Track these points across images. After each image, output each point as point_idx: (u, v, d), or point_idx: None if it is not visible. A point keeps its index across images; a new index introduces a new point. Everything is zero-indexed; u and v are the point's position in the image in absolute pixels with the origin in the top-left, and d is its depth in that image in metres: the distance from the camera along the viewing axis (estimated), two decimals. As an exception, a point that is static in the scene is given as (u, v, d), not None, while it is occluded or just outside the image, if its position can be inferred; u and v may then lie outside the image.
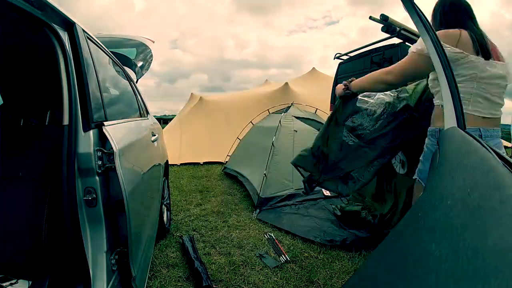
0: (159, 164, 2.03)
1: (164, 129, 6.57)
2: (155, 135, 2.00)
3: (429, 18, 1.46)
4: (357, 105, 1.71)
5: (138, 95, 2.19)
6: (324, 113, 5.15)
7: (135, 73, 2.74)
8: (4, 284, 0.98)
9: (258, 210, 2.85)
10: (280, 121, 3.89)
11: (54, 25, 0.94)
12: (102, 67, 1.31)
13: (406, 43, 4.52)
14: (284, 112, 4.30)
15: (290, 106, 4.74)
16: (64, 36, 0.98)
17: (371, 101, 1.72)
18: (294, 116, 4.14)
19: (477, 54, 1.21)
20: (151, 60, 3.18)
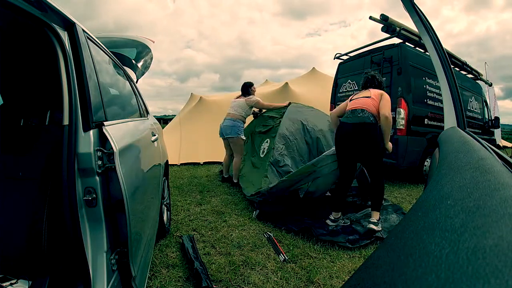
0: (159, 164, 2.03)
1: (164, 129, 6.57)
2: (155, 135, 2.00)
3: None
4: None
5: (138, 95, 2.19)
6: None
7: (135, 73, 2.75)
8: (4, 284, 0.98)
9: (258, 211, 2.85)
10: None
11: (54, 25, 0.94)
12: (102, 67, 1.31)
13: (406, 43, 4.54)
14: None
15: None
16: (64, 36, 0.98)
17: None
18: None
19: None
20: (151, 60, 3.18)
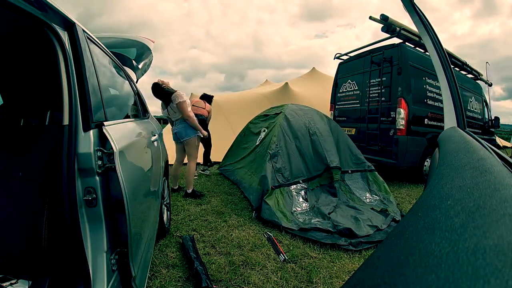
0: (159, 164, 2.03)
1: (164, 129, 6.56)
2: (155, 135, 2.00)
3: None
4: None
5: (138, 95, 2.19)
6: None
7: (135, 73, 2.75)
8: (4, 284, 0.98)
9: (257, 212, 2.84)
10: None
11: (54, 25, 0.94)
12: (102, 67, 1.31)
13: (406, 43, 4.53)
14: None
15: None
16: (64, 36, 0.98)
17: None
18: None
19: None
20: (151, 60, 3.18)
